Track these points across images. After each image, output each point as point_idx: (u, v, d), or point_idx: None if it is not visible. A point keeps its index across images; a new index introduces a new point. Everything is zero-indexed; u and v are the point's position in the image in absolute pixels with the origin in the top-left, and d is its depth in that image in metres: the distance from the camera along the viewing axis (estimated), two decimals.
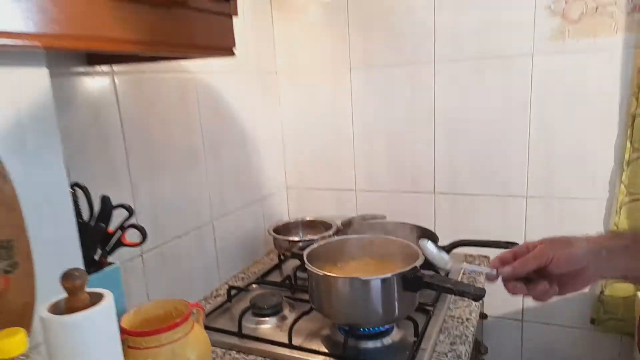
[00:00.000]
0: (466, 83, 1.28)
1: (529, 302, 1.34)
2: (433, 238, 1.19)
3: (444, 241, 1.19)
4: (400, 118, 1.37)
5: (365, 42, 1.36)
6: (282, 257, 1.32)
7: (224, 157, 1.23)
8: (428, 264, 0.92)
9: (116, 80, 0.88)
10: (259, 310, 1.02)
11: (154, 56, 0.77)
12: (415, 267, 0.87)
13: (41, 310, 0.56)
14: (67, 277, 0.56)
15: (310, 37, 1.42)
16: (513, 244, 1.11)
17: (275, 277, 1.24)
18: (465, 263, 0.84)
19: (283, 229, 1.33)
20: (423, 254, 0.91)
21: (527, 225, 1.31)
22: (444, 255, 0.94)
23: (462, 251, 1.27)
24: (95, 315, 0.57)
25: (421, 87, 1.33)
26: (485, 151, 1.31)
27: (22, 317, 0.61)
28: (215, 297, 1.16)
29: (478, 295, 0.77)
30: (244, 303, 1.06)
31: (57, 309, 0.57)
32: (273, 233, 1.28)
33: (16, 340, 0.46)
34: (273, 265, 1.30)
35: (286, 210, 1.58)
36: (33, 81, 0.61)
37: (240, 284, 1.21)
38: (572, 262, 0.64)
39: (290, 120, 1.51)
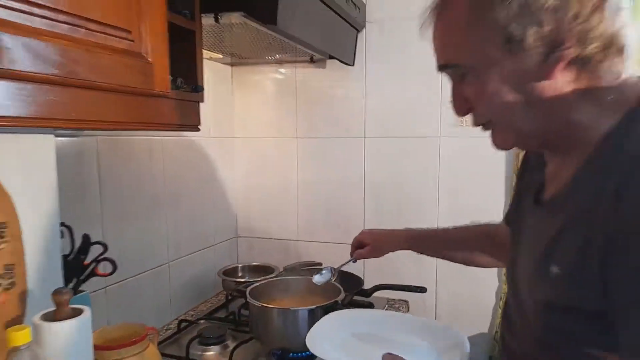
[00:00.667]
0: (389, 155, 1.57)
1: None
2: (359, 282, 1.42)
3: (369, 285, 1.41)
4: (336, 180, 1.63)
5: (309, 117, 1.64)
6: (229, 297, 1.49)
7: (183, 207, 1.42)
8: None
9: (98, 140, 1.09)
10: (205, 340, 1.18)
11: None
12: (336, 300, 1.08)
13: (34, 318, 0.73)
14: (58, 293, 0.74)
15: (264, 109, 1.69)
16: (422, 288, 1.35)
17: (222, 315, 1.41)
18: (338, 266, 1.16)
19: (232, 271, 1.52)
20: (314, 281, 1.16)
21: (438, 270, 1.56)
22: (322, 277, 1.18)
23: (385, 295, 1.49)
24: (78, 323, 0.74)
25: (353, 156, 1.61)
26: (404, 209, 1.57)
27: (16, 323, 0.77)
28: (166, 330, 1.31)
29: None
30: (192, 334, 1.22)
31: (47, 317, 0.74)
32: (222, 275, 1.47)
33: (24, 333, 0.64)
34: (220, 304, 1.47)
35: (236, 257, 1.77)
36: (43, 143, 0.81)
37: (190, 319, 1.36)
38: (384, 252, 1.15)
39: (243, 178, 1.74)
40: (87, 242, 0.91)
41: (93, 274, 0.94)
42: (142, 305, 1.26)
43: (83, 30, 0.64)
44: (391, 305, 1.51)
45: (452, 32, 0.59)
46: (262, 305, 1.08)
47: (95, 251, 0.96)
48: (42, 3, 0.58)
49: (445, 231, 1.08)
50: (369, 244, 1.14)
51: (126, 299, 1.20)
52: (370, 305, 1.41)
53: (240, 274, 1.54)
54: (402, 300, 1.54)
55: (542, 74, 0.55)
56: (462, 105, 0.62)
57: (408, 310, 1.52)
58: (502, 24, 0.54)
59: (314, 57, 1.49)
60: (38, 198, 0.82)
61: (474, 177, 1.51)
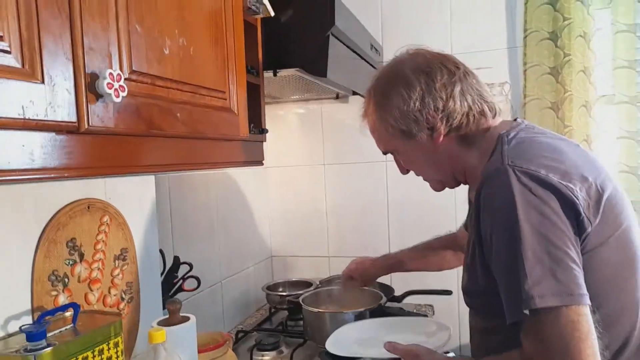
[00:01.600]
0: (410, 178, 1.76)
1: None
2: (389, 290, 1.60)
3: (398, 291, 1.59)
4: (361, 201, 1.82)
5: (335, 145, 1.84)
6: (272, 310, 1.65)
7: (230, 231, 1.60)
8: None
9: (169, 177, 1.28)
10: (262, 346, 1.34)
11: None
12: (380, 304, 1.27)
13: (154, 324, 0.91)
14: (172, 303, 0.92)
15: (294, 141, 1.89)
16: (448, 291, 1.53)
17: (268, 326, 1.57)
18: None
19: (274, 287, 1.69)
20: None
21: (458, 274, 1.73)
22: None
23: (412, 301, 1.66)
24: (189, 326, 0.92)
25: (377, 179, 1.80)
26: (424, 225, 1.76)
27: (133, 330, 0.94)
28: None
29: None
30: (251, 342, 1.39)
31: (162, 323, 0.91)
32: (266, 290, 1.64)
33: (162, 333, 0.81)
34: (265, 318, 1.63)
35: (271, 275, 1.94)
36: (147, 183, 1.00)
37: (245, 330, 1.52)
38: (372, 283, 1.36)
39: (276, 203, 1.92)
40: (177, 262, 1.09)
41: (180, 289, 1.12)
42: (202, 319, 1.42)
43: (199, 95, 0.84)
44: (419, 309, 1.68)
45: (373, 132, 0.94)
46: (318, 311, 1.26)
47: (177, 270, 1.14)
48: (174, 79, 0.78)
49: (415, 249, 1.32)
50: (358, 279, 1.34)
51: (190, 313, 1.36)
52: (400, 310, 1.58)
53: (281, 289, 1.71)
54: (427, 305, 1.71)
55: (432, 143, 0.85)
56: (402, 168, 0.98)
57: (434, 313, 1.69)
58: (394, 124, 0.85)
59: (340, 94, 1.70)
60: (145, 227, 1.00)
61: None
